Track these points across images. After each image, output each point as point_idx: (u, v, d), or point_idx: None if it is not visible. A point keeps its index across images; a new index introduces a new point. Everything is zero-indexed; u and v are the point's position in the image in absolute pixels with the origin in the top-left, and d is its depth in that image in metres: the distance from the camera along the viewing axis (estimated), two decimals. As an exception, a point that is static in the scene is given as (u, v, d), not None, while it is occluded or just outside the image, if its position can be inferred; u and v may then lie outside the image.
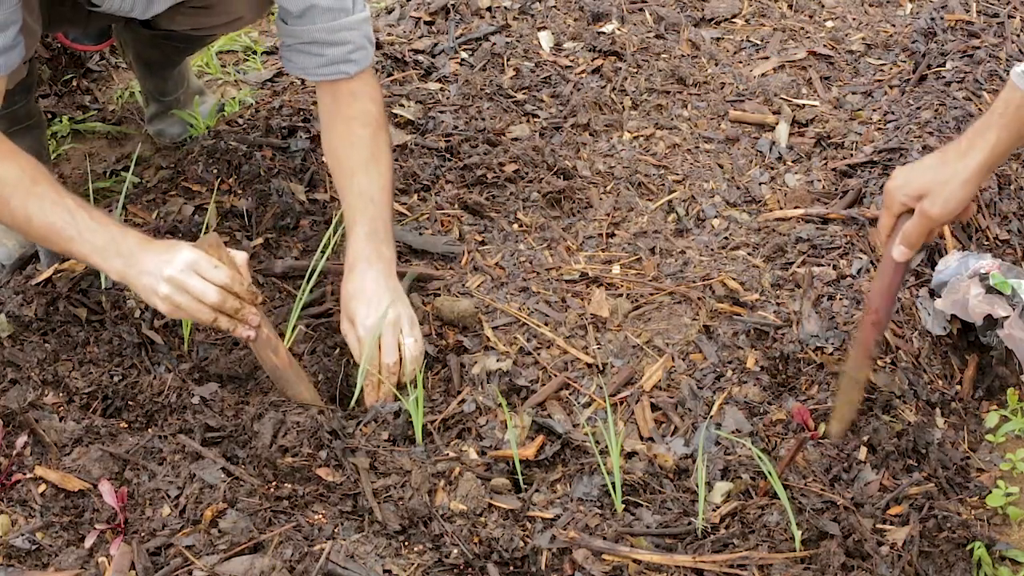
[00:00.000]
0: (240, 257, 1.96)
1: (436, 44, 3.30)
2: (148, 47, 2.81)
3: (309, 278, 2.17)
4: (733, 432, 2.01)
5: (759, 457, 1.86)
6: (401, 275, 2.29)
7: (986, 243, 2.65)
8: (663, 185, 2.76)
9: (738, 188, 2.75)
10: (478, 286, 2.38)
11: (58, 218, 1.91)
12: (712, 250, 2.52)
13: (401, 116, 2.93)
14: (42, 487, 1.83)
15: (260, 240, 2.45)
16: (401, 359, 2.07)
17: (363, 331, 2.08)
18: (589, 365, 2.18)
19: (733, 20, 3.50)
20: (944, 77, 3.04)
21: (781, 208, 2.66)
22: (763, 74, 3.21)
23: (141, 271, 1.89)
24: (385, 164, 2.25)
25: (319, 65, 2.23)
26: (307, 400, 2.02)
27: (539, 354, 2.20)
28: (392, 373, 2.06)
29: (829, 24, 3.49)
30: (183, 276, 1.86)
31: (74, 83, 3.22)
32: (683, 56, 3.29)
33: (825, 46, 3.34)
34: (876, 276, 1.99)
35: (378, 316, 2.06)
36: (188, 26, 2.56)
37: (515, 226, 2.60)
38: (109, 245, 1.90)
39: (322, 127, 2.31)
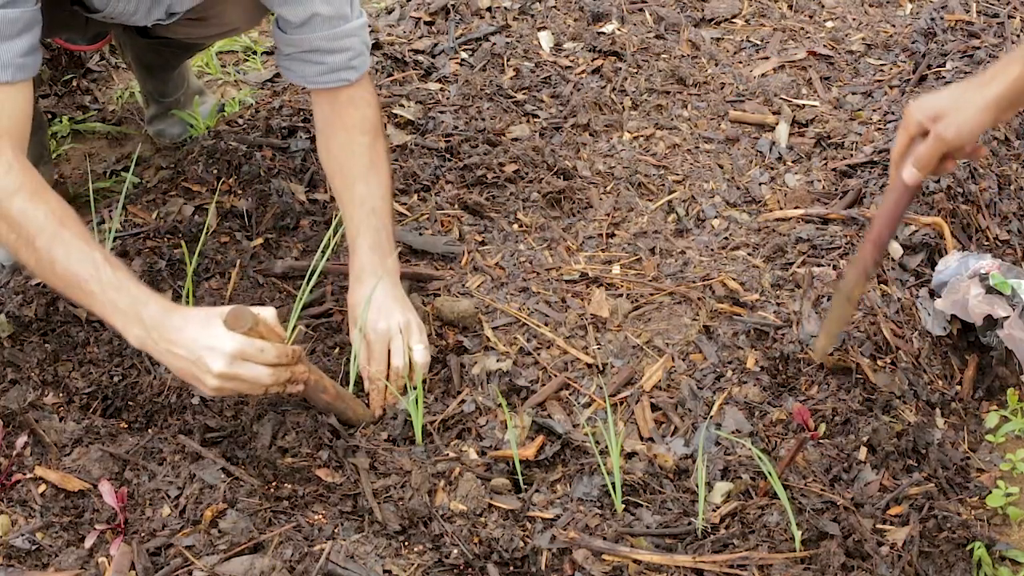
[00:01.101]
0: (270, 315, 1.81)
1: (436, 44, 3.30)
2: (146, 51, 2.82)
3: (309, 278, 2.18)
4: (733, 432, 2.02)
5: (759, 457, 1.86)
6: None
7: (986, 243, 2.65)
8: (663, 185, 2.76)
9: (738, 188, 2.75)
10: (478, 286, 2.38)
11: (82, 268, 1.77)
12: (712, 250, 2.52)
13: (401, 116, 2.93)
14: (42, 487, 1.83)
15: (260, 240, 2.45)
16: (411, 365, 2.08)
17: (373, 336, 2.09)
18: (589, 365, 2.18)
19: (733, 20, 3.51)
20: (944, 77, 3.04)
21: (781, 208, 2.66)
22: (763, 74, 3.21)
23: (172, 352, 1.76)
24: (384, 171, 2.25)
25: (320, 73, 2.23)
26: (361, 417, 2.02)
27: (539, 354, 2.20)
28: (400, 377, 2.07)
29: (829, 24, 3.49)
30: (233, 368, 1.74)
31: (74, 83, 3.23)
32: (683, 56, 3.29)
33: (825, 46, 3.34)
34: (884, 197, 1.97)
35: (388, 322, 2.08)
36: (183, 35, 2.57)
37: (515, 226, 2.60)
38: (130, 309, 1.77)
39: (319, 133, 2.29)
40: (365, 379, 2.09)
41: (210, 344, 1.73)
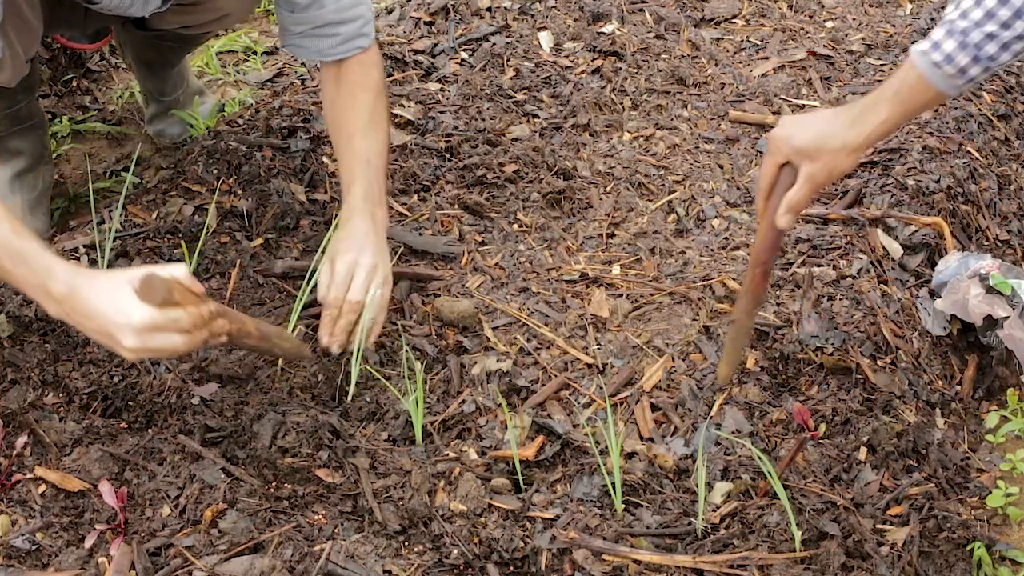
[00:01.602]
0: (182, 274, 1.71)
1: (436, 44, 3.30)
2: (145, 48, 2.82)
3: (309, 278, 2.18)
4: (733, 432, 2.01)
5: (759, 457, 1.85)
6: (399, 275, 2.30)
7: (986, 243, 2.65)
8: (663, 185, 2.76)
9: (738, 188, 2.75)
10: (478, 286, 2.38)
11: None
12: (712, 250, 2.52)
13: (401, 116, 2.93)
14: (42, 487, 1.83)
15: (260, 240, 2.45)
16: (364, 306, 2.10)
17: (340, 265, 2.11)
18: (589, 365, 2.18)
19: (733, 20, 3.51)
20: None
21: (781, 208, 2.66)
22: (763, 74, 3.21)
23: (86, 326, 1.71)
24: (383, 129, 2.30)
25: (335, 44, 2.28)
26: (294, 352, 2.02)
27: (539, 354, 2.20)
28: (353, 311, 2.09)
29: (829, 24, 3.49)
30: (146, 342, 1.67)
31: (74, 83, 3.23)
32: (683, 56, 3.29)
33: (825, 46, 3.34)
34: (760, 231, 1.99)
35: (358, 256, 2.11)
36: (178, 24, 2.57)
37: (515, 226, 2.60)
38: (40, 285, 1.72)
39: (324, 92, 2.37)
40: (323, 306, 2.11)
41: (118, 321, 1.66)
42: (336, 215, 2.33)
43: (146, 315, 1.65)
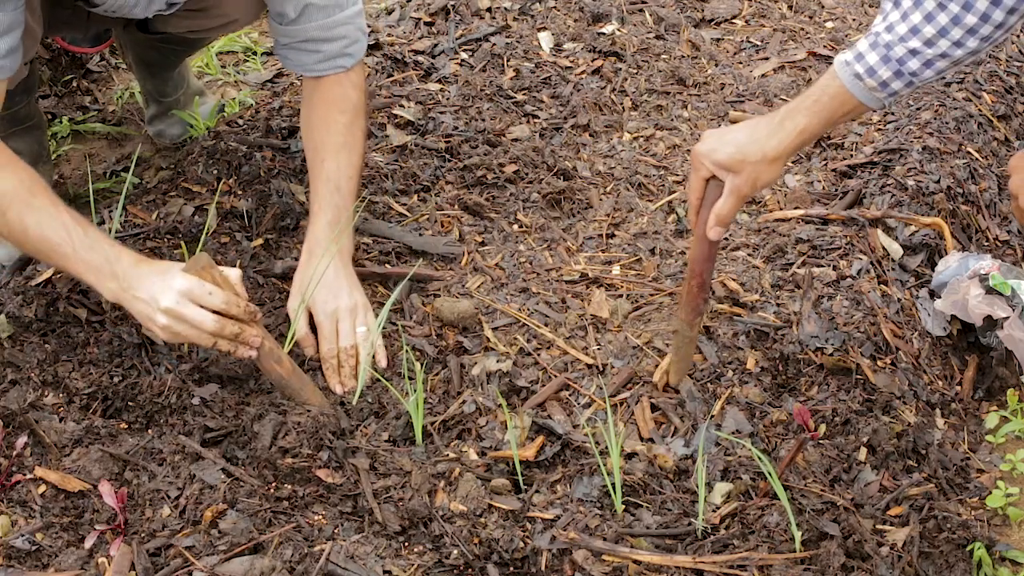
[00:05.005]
0: (234, 275, 1.93)
1: (436, 45, 3.30)
2: (147, 49, 2.82)
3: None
4: (733, 433, 2.01)
5: (759, 458, 1.85)
6: (396, 275, 2.31)
7: (986, 244, 2.65)
8: (663, 186, 2.76)
9: (738, 189, 2.75)
10: (478, 287, 2.38)
11: (54, 233, 1.89)
12: (712, 251, 2.51)
13: (401, 117, 2.93)
14: (42, 488, 1.83)
15: (260, 240, 2.45)
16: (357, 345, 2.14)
17: (322, 316, 2.15)
18: (589, 366, 2.18)
19: (733, 21, 3.51)
20: (944, 77, 3.04)
21: (781, 209, 2.66)
22: (763, 75, 3.21)
23: (136, 297, 1.88)
24: (357, 152, 2.32)
25: (316, 61, 2.30)
26: (314, 404, 2.03)
27: (539, 355, 2.20)
28: (350, 356, 2.13)
29: (829, 25, 3.49)
30: (179, 307, 1.85)
31: (74, 84, 3.23)
32: (683, 57, 3.29)
33: (825, 47, 3.34)
34: (694, 244, 1.99)
35: (337, 303, 2.15)
36: (183, 28, 2.57)
37: (515, 227, 2.60)
38: (104, 265, 1.89)
39: (302, 109, 2.39)
40: (307, 349, 2.16)
41: (164, 284, 1.86)
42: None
43: (187, 282, 1.86)
